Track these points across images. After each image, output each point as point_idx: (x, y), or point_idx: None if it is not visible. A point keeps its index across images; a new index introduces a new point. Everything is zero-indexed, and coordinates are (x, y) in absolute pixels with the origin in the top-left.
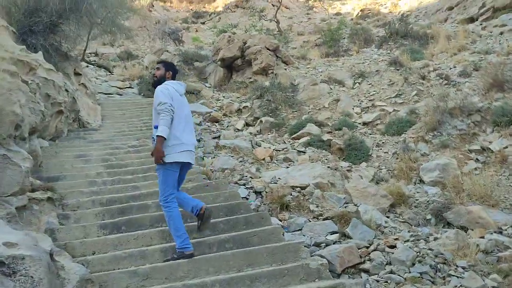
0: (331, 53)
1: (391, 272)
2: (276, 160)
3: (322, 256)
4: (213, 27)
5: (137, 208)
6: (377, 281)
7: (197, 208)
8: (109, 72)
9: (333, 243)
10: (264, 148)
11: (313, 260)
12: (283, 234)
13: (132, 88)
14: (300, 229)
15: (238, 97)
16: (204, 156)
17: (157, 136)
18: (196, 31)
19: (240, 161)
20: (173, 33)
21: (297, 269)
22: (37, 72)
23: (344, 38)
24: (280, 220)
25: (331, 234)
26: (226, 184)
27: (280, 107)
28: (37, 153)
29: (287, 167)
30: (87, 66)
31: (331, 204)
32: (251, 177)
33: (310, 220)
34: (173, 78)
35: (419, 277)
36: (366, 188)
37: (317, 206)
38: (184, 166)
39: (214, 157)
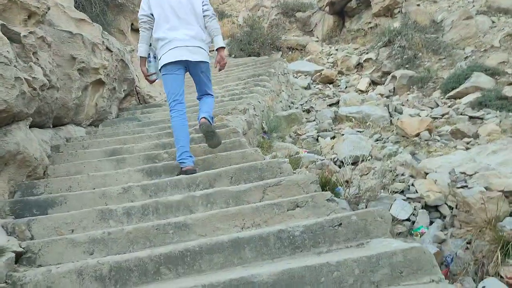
0: None
1: None
2: (439, 136)
3: None
4: None
5: None
6: None
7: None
8: None
9: None
10: (412, 116)
11: None
12: None
13: None
14: None
15: (356, 49)
16: (318, 136)
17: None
18: None
19: (377, 140)
20: None
21: None
22: (47, 20)
23: None
24: (509, 285)
25: None
26: (384, 221)
27: (420, 54)
28: (25, 155)
29: (467, 148)
30: None
31: None
32: (411, 176)
33: None
34: None
35: None
36: None
37: None
38: (191, 66)
39: (334, 137)
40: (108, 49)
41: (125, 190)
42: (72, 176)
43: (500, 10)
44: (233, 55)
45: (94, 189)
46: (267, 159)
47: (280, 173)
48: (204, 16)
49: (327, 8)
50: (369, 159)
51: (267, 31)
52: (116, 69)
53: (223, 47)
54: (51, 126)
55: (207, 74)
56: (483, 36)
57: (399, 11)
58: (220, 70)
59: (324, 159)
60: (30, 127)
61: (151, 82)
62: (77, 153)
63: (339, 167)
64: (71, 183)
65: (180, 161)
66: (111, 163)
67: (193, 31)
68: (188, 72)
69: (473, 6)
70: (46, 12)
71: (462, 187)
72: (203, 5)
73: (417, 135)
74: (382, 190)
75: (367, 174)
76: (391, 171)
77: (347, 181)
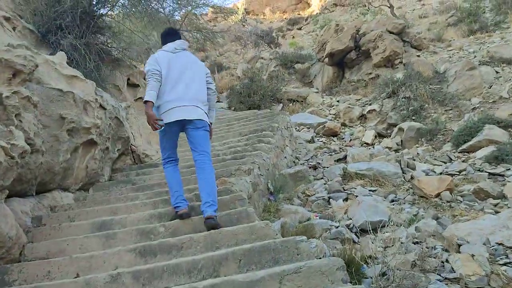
0: (476, 30)
1: None
2: (461, 196)
3: None
4: (312, 31)
5: None
6: None
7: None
8: None
9: None
10: (425, 172)
11: None
12: None
13: (221, 102)
14: None
15: (358, 100)
16: (329, 198)
17: (144, 102)
18: (293, 37)
19: (392, 201)
20: (267, 35)
21: None
22: (35, 78)
23: (484, 12)
24: None
25: None
26: None
27: (426, 105)
28: None
29: (495, 212)
30: None
31: None
32: (444, 249)
33: None
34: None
35: None
36: None
37: None
38: (188, 127)
39: (347, 199)
40: (101, 106)
41: (113, 279)
42: (52, 259)
43: (503, 60)
44: (232, 108)
45: (77, 275)
46: (279, 236)
47: (298, 255)
48: (208, 88)
49: (326, 60)
50: (389, 225)
51: (267, 83)
52: (109, 127)
53: (212, 123)
54: (34, 194)
55: (205, 131)
56: (489, 87)
57: (399, 62)
58: None
59: (338, 226)
60: (8, 197)
61: (156, 128)
62: (61, 227)
63: (356, 234)
64: (50, 268)
65: (175, 205)
66: (99, 239)
67: (193, 93)
68: (184, 131)
69: (475, 56)
70: (33, 70)
71: (505, 264)
72: (207, 76)
73: (437, 195)
74: (413, 269)
75: (391, 246)
76: (418, 243)
77: (371, 257)
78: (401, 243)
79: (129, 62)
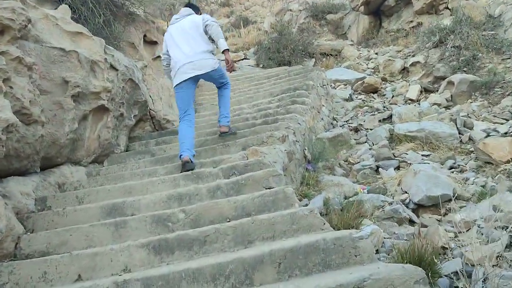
0: None
1: None
2: None
3: None
4: None
5: None
6: None
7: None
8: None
9: None
10: (487, 133)
11: None
12: None
13: (248, 59)
14: None
15: (399, 51)
16: (378, 166)
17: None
18: None
19: (451, 168)
20: None
21: None
22: (32, 36)
23: None
24: None
25: None
26: None
27: (479, 54)
28: None
29: None
30: None
31: None
32: None
33: None
34: None
35: None
36: None
37: None
38: (200, 77)
39: (398, 167)
40: (112, 67)
41: (118, 287)
42: (49, 257)
43: None
44: (261, 65)
45: (78, 277)
46: (328, 229)
47: (355, 256)
48: (205, 26)
49: (361, 8)
50: (455, 201)
51: (297, 36)
52: (123, 91)
53: (228, 49)
54: (39, 170)
55: (219, 75)
56: None
57: (445, 7)
58: (230, 72)
59: (392, 202)
60: (7, 176)
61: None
62: (66, 212)
63: (413, 211)
64: (46, 267)
65: (180, 153)
66: (107, 229)
67: (197, 47)
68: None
69: None
70: (26, 26)
71: None
72: (205, 22)
73: (509, 161)
74: (498, 260)
75: (468, 230)
76: (502, 227)
77: (443, 247)
78: (479, 227)
79: (144, 16)
